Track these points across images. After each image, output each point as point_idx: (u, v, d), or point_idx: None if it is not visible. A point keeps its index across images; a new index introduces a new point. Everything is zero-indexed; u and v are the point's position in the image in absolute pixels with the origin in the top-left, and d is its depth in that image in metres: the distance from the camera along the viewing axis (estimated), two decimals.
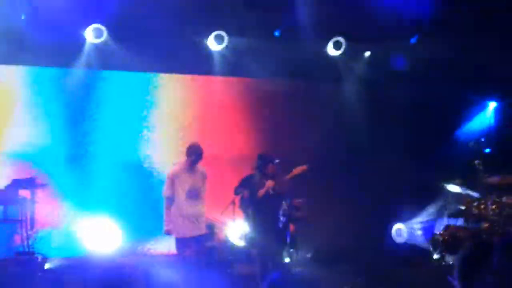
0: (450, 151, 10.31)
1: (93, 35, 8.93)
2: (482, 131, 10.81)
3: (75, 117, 9.15)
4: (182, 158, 7.90)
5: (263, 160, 8.26)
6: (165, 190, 7.71)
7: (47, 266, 7.91)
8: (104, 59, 9.17)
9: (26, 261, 7.72)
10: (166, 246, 8.65)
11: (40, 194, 8.21)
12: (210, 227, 8.90)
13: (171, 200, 7.65)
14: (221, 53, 9.67)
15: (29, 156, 8.82)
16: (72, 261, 8.70)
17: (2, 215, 7.91)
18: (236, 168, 9.30)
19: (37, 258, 7.85)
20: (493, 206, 8.88)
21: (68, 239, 9.14)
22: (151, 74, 9.73)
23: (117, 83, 9.52)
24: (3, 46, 8.29)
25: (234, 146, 10.01)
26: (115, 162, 9.22)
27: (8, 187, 7.88)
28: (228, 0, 9.01)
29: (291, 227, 8.69)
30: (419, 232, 11.28)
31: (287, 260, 8.62)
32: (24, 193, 7.97)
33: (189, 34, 9.26)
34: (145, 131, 9.61)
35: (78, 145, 9.24)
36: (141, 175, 9.49)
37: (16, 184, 7.92)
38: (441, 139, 10.64)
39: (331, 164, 10.26)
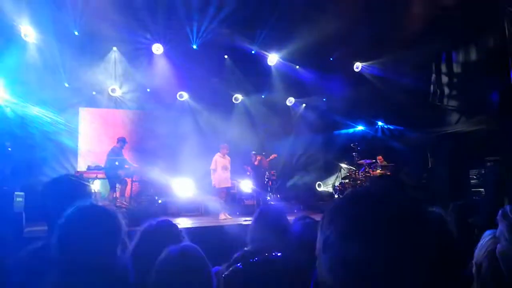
0: (342, 146, 14.41)
1: (178, 96, 14.39)
2: (357, 137, 14.58)
3: None
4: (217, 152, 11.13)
5: (253, 155, 13.01)
6: (212, 165, 11.05)
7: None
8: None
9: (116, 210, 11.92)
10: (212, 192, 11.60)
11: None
12: (232, 183, 12.00)
13: (215, 171, 11.07)
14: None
15: None
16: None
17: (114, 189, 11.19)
18: None
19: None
20: (362, 174, 13.05)
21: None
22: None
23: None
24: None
25: None
26: None
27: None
28: None
29: (270, 183, 12.91)
30: (329, 185, 15.68)
31: (268, 198, 12.28)
32: (122, 173, 11.25)
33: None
34: None
35: None
36: None
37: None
38: (338, 141, 15.02)
39: (289, 155, 14.76)
